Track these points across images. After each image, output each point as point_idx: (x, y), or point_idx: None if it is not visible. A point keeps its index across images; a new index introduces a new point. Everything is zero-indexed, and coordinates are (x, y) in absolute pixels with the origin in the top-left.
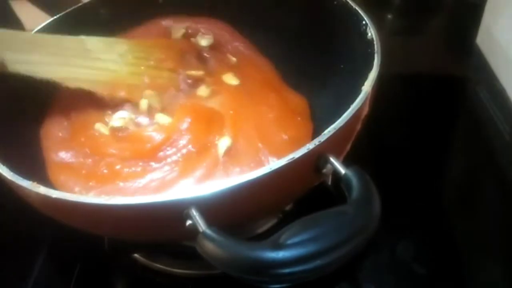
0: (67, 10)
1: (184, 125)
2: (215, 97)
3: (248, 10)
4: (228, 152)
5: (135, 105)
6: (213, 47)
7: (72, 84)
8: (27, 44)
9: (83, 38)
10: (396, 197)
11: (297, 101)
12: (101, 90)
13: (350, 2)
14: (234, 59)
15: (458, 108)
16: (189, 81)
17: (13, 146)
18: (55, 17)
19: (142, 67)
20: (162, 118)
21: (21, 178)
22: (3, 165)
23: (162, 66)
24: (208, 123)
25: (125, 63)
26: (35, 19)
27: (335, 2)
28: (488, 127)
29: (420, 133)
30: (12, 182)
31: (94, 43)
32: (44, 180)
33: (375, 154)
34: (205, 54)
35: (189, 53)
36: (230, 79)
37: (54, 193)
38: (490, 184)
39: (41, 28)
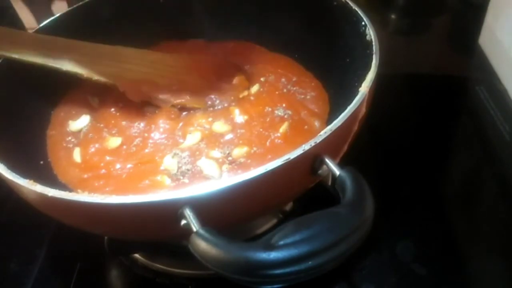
0: (67, 10)
1: None
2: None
3: (242, 9)
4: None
5: None
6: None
7: (96, 77)
8: (60, 47)
9: (118, 46)
10: (396, 197)
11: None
12: (123, 85)
13: (350, 3)
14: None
15: (459, 108)
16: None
17: (13, 144)
18: (56, 15)
19: (171, 72)
20: None
21: (18, 176)
22: (1, 163)
23: (191, 73)
24: None
25: (154, 68)
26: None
27: (334, 3)
28: (489, 127)
29: (422, 133)
30: (9, 180)
31: (128, 51)
32: (45, 178)
33: (376, 153)
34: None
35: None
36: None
37: (50, 192)
38: (490, 184)
39: (40, 28)
